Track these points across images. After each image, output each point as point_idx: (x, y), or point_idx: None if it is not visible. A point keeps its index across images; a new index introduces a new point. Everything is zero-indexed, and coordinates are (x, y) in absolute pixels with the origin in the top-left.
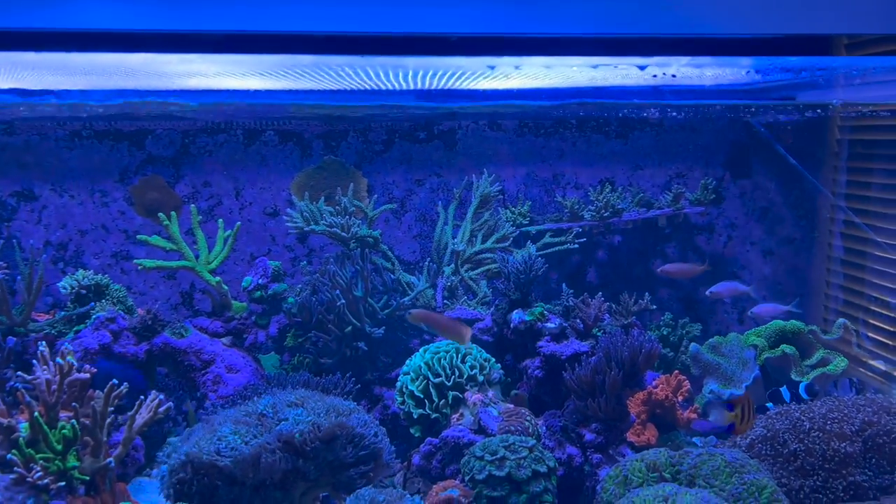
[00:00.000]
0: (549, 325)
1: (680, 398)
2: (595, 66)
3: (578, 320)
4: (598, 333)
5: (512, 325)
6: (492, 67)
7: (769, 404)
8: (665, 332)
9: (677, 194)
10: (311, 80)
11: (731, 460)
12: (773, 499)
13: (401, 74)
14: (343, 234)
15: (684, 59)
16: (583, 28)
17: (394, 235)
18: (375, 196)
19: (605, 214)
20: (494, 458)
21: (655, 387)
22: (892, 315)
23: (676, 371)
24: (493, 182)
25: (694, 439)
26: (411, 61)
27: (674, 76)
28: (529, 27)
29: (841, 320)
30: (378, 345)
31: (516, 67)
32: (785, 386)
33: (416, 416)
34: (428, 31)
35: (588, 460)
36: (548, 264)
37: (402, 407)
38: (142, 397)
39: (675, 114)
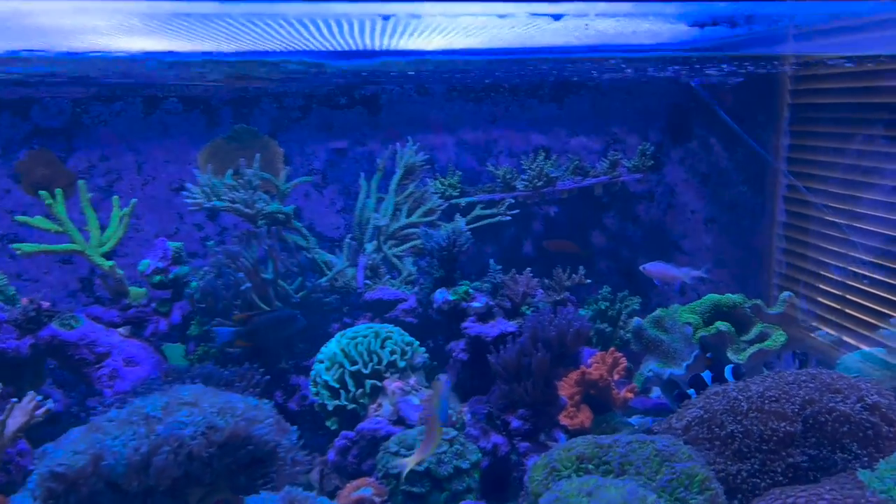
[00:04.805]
0: (474, 304)
1: (616, 377)
2: (502, 16)
3: (506, 298)
4: (528, 311)
5: (435, 306)
6: (386, 17)
7: (691, 391)
8: (603, 307)
9: (614, 161)
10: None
11: (661, 449)
12: (704, 487)
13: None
14: (247, 210)
15: (601, 6)
16: None
17: (315, 210)
18: (289, 168)
19: (539, 184)
20: (410, 452)
21: (590, 366)
22: (834, 284)
23: (612, 349)
24: (419, 151)
25: (633, 418)
26: (289, 9)
27: (587, 26)
28: None
29: (785, 293)
30: None
31: (414, 17)
32: (707, 370)
33: (331, 408)
34: None
35: (515, 449)
36: (480, 238)
37: (317, 398)
38: (13, 399)
39: (609, 74)
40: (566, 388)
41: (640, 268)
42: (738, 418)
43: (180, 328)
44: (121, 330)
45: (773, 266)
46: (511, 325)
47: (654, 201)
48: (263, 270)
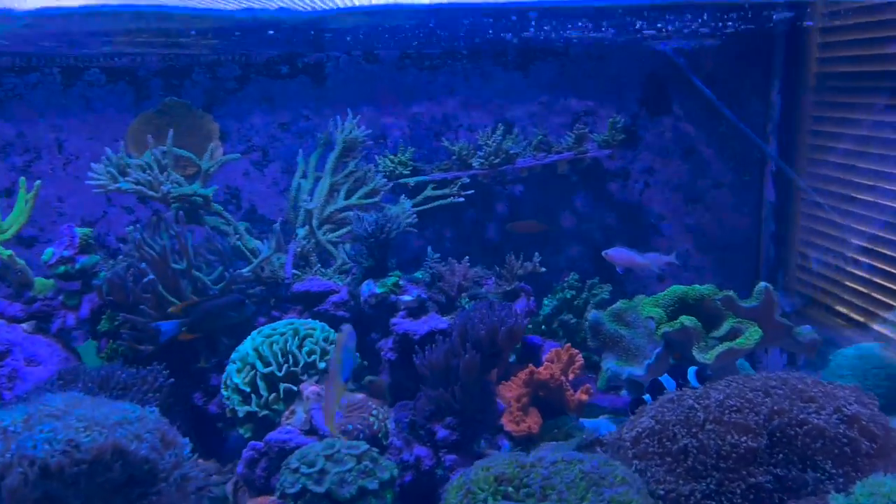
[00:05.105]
0: (404, 297)
1: (571, 376)
2: None
3: (440, 291)
4: (468, 305)
5: (362, 299)
6: None
7: (646, 396)
8: (568, 296)
9: (579, 135)
10: None
11: (588, 471)
12: None
13: None
14: (151, 192)
15: None
16: None
17: (256, 191)
18: (213, 144)
19: (496, 161)
20: (312, 470)
21: (540, 363)
22: (827, 271)
23: (568, 345)
24: (360, 124)
25: (599, 419)
26: None
27: None
28: None
29: (762, 284)
30: None
31: None
32: (667, 374)
33: (241, 414)
34: None
35: (440, 463)
36: (439, 221)
37: (228, 402)
38: None
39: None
40: (514, 388)
41: (603, 253)
42: (693, 430)
43: (90, 323)
44: (24, 326)
45: (762, 251)
46: (443, 322)
47: (630, 179)
48: (178, 260)
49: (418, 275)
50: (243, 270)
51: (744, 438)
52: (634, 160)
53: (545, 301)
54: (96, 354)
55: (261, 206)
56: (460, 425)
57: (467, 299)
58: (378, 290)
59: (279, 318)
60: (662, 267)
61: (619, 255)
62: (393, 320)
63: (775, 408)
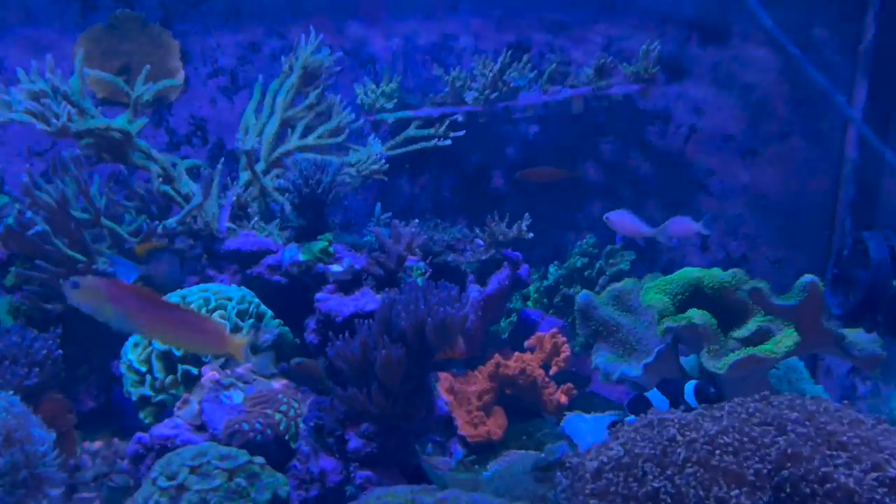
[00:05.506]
0: (334, 267)
1: (555, 369)
2: None
3: (376, 262)
4: (420, 279)
5: (283, 267)
6: None
7: (630, 418)
8: (579, 264)
9: (600, 66)
10: None
11: None
12: None
13: None
14: (42, 125)
15: None
16: None
17: (225, 122)
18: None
19: (493, 96)
20: (170, 484)
21: (508, 355)
22: None
23: (555, 330)
24: (323, 47)
25: (606, 415)
26: None
27: None
28: None
29: (806, 277)
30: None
31: None
32: (656, 388)
33: (135, 398)
34: None
35: (351, 479)
36: (437, 166)
37: (124, 382)
38: None
39: None
40: (479, 382)
41: (604, 217)
42: (669, 472)
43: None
44: None
45: (837, 223)
46: (374, 302)
47: (672, 123)
48: (86, 208)
49: (368, 238)
50: (168, 221)
51: (736, 492)
52: (679, 98)
53: (550, 269)
54: (8, 311)
55: (230, 140)
56: (379, 434)
57: (420, 271)
58: (301, 258)
59: (213, 280)
60: (687, 238)
61: (620, 220)
62: (318, 296)
63: (790, 451)
